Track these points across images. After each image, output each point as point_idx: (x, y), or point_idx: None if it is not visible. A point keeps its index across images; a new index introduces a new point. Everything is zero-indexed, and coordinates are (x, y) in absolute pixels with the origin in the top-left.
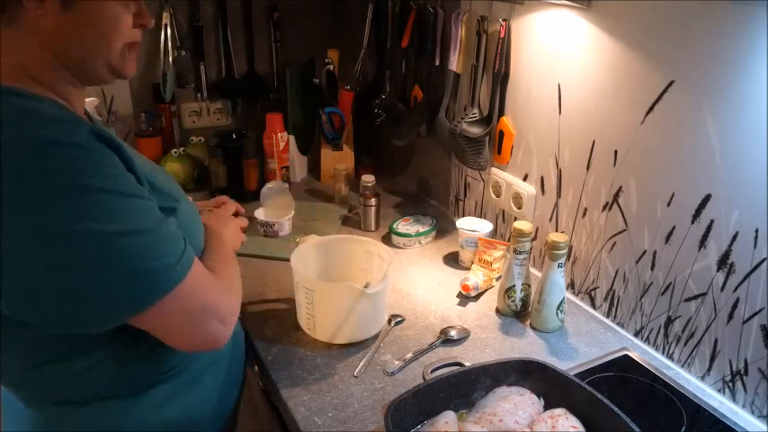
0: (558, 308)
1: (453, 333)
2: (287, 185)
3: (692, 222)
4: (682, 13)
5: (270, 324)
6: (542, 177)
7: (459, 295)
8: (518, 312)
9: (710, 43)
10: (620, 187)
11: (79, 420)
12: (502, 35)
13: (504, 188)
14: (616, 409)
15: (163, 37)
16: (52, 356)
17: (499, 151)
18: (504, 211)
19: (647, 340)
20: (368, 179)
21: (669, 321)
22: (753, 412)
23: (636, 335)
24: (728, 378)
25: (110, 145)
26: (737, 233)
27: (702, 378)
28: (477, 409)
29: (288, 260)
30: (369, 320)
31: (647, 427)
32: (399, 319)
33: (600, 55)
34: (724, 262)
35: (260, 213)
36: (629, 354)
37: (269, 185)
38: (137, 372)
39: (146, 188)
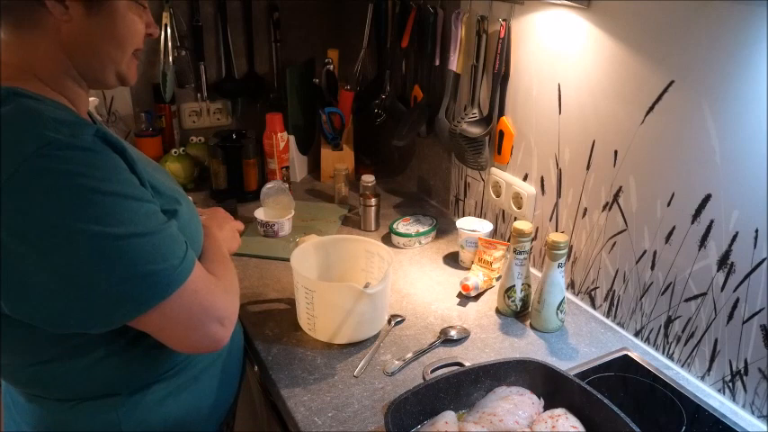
0: (558, 308)
1: (453, 333)
2: (287, 185)
3: (692, 222)
4: (682, 13)
5: (270, 324)
6: (542, 177)
7: (460, 295)
8: (518, 312)
9: (710, 43)
10: (620, 187)
11: (80, 416)
12: (502, 35)
13: (504, 188)
14: (616, 409)
15: (163, 37)
16: (54, 354)
17: (499, 151)
18: (504, 211)
19: (647, 340)
20: (368, 179)
21: (669, 321)
22: (753, 412)
23: (636, 335)
24: (728, 378)
25: (114, 147)
26: (737, 233)
27: (702, 378)
28: (477, 409)
29: (288, 260)
30: (369, 320)
31: (647, 427)
32: (399, 319)
33: (600, 55)
34: (724, 262)
35: (260, 213)
36: (629, 354)
37: (269, 185)
38: (137, 370)
39: (148, 190)
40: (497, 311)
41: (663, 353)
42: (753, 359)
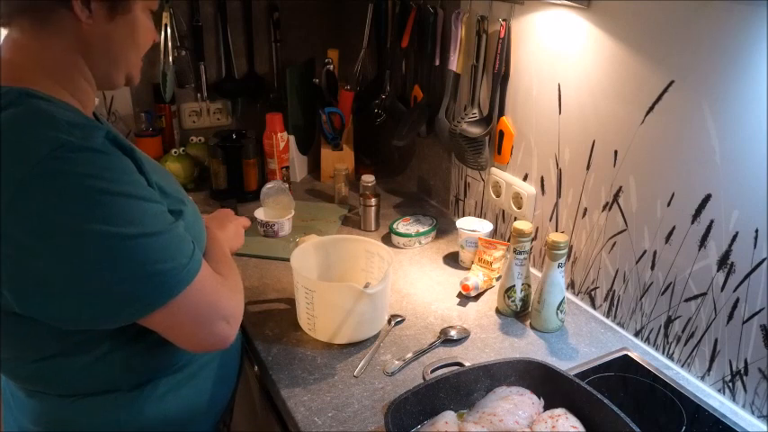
0: (558, 308)
1: (453, 333)
2: (287, 185)
3: (692, 222)
4: (682, 13)
5: (270, 324)
6: (542, 177)
7: (460, 295)
8: (518, 312)
9: (710, 43)
10: (620, 187)
11: (81, 412)
12: (502, 35)
13: (504, 188)
14: (616, 409)
15: (163, 37)
16: (57, 351)
17: (499, 151)
18: (504, 211)
19: (647, 340)
20: (368, 179)
21: (669, 321)
22: (753, 412)
23: (636, 335)
24: (728, 378)
25: (123, 149)
26: (737, 233)
27: (702, 378)
28: (477, 409)
29: (288, 260)
30: (369, 320)
31: (647, 427)
32: (399, 319)
33: (600, 55)
34: (724, 262)
35: (260, 213)
36: (629, 354)
37: (269, 185)
38: (138, 366)
39: (156, 191)
40: (497, 311)
41: (663, 353)
42: (753, 359)
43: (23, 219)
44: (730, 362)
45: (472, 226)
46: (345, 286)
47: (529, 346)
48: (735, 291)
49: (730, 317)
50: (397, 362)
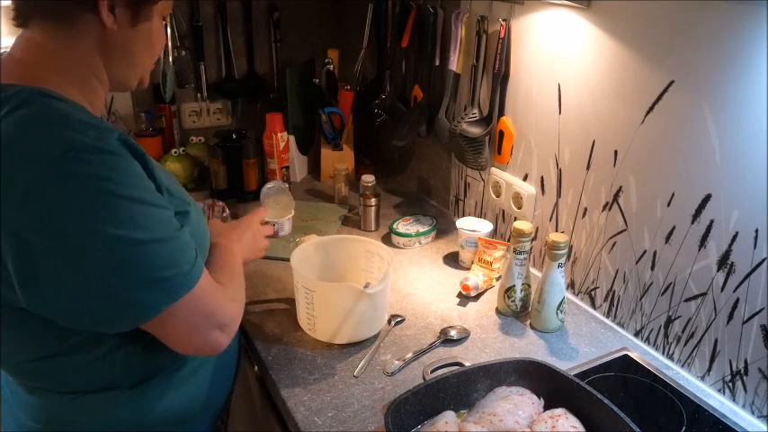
0: (558, 308)
1: (453, 333)
2: (287, 185)
3: (692, 222)
4: (682, 13)
5: (270, 324)
6: (542, 177)
7: (460, 295)
8: (518, 312)
9: (710, 43)
10: (620, 187)
11: (81, 409)
12: (502, 35)
13: (504, 188)
14: (616, 409)
15: None
16: (60, 349)
17: (499, 151)
18: (504, 211)
19: (647, 340)
20: (368, 179)
21: (669, 321)
22: (753, 412)
23: (636, 335)
24: (728, 378)
25: (135, 152)
26: (737, 233)
27: (702, 378)
28: (477, 409)
29: (288, 260)
30: (369, 320)
31: (647, 427)
32: (399, 319)
33: (600, 55)
34: (724, 262)
35: None
36: (629, 354)
37: (269, 185)
38: (139, 364)
39: (164, 195)
40: (497, 311)
41: (663, 353)
42: (753, 359)
43: (34, 217)
44: (730, 362)
45: (472, 226)
46: (345, 286)
47: (529, 346)
48: (735, 291)
49: (730, 317)
50: (397, 362)
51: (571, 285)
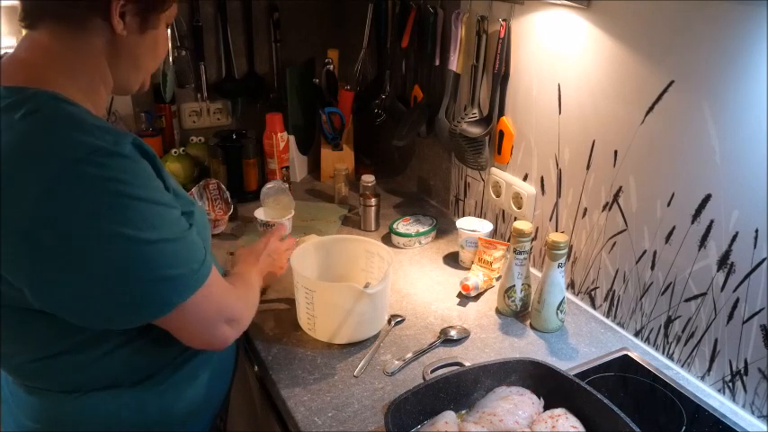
0: (558, 308)
1: (453, 333)
2: (287, 185)
3: (692, 222)
4: (681, 13)
5: (270, 324)
6: (542, 177)
7: (460, 295)
8: (518, 312)
9: (710, 43)
10: (620, 187)
11: (82, 408)
12: (502, 35)
13: (504, 188)
14: (616, 409)
15: None
16: (64, 348)
17: (499, 151)
18: (504, 211)
19: (647, 340)
20: (368, 179)
21: (669, 321)
22: (753, 412)
23: (636, 335)
24: (728, 378)
25: (146, 155)
26: (737, 233)
27: (702, 378)
28: (477, 409)
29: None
30: (369, 320)
31: (647, 427)
32: (399, 319)
33: (600, 55)
34: (724, 262)
35: (260, 213)
36: (629, 354)
37: (269, 185)
38: (140, 362)
39: (172, 195)
40: (497, 311)
41: (663, 353)
42: (753, 359)
43: (49, 217)
44: (730, 362)
45: (472, 226)
46: (345, 286)
47: (529, 346)
48: (735, 291)
49: (730, 317)
50: (397, 362)
51: (571, 285)
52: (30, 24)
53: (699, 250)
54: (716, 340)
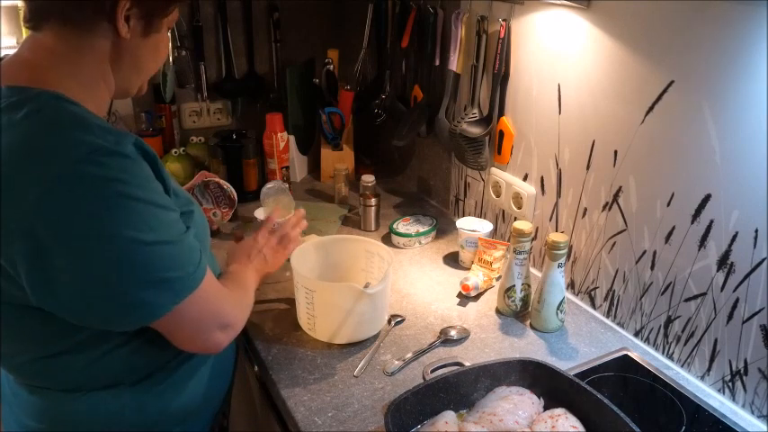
0: (558, 308)
1: (453, 333)
2: (287, 185)
3: (692, 222)
4: (682, 13)
5: (270, 324)
6: (542, 177)
7: (460, 295)
8: (518, 312)
9: (710, 43)
10: (620, 187)
11: (83, 406)
12: (502, 35)
13: (504, 188)
14: (616, 409)
15: None
16: (64, 347)
17: (499, 151)
18: (504, 211)
19: (647, 340)
20: (368, 179)
21: (669, 321)
22: (753, 412)
23: (636, 335)
24: (728, 378)
25: (146, 156)
26: (737, 233)
27: (702, 378)
28: (477, 409)
29: (288, 260)
30: (369, 320)
31: (647, 427)
32: (399, 319)
33: (600, 55)
34: (724, 262)
35: (260, 213)
36: (629, 354)
37: (269, 185)
38: (141, 361)
39: (172, 197)
40: (497, 311)
41: (663, 353)
42: (753, 359)
43: (50, 217)
44: (730, 362)
45: (472, 226)
46: (345, 286)
47: (529, 346)
48: (735, 291)
49: (730, 317)
50: (397, 362)
51: (571, 285)
52: (35, 26)
53: (699, 250)
54: (716, 340)
